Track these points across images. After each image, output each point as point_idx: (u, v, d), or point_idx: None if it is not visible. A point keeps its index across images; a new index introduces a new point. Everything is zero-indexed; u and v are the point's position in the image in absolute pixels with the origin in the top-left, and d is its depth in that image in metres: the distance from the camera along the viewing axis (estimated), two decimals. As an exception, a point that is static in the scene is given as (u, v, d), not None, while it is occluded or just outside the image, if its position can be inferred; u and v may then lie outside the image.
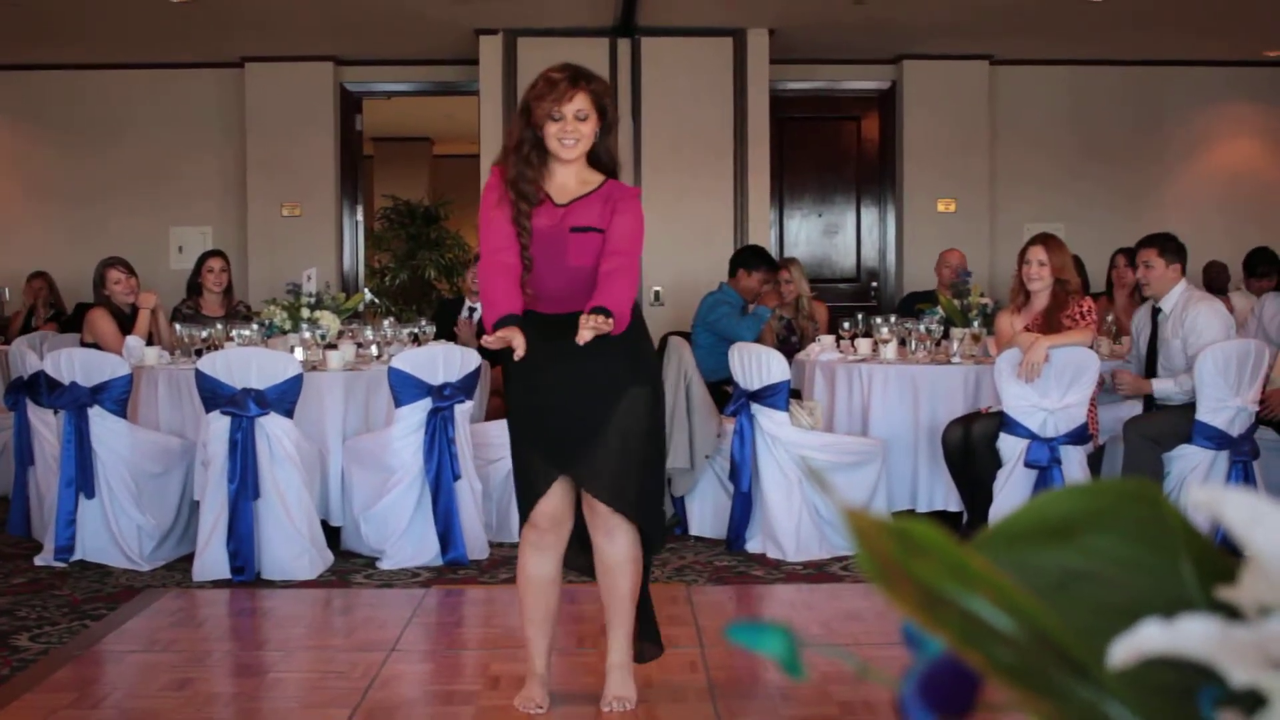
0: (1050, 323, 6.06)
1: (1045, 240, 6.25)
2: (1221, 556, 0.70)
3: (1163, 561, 0.72)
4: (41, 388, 6.05)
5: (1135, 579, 0.72)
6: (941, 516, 6.38)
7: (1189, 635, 0.59)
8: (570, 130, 3.74)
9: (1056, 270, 6.14)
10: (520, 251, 3.74)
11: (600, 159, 3.87)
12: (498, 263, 3.74)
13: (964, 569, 0.59)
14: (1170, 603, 0.68)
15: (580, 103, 3.75)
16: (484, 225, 3.81)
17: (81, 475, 5.88)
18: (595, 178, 3.85)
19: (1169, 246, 6.25)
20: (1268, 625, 0.59)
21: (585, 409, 3.79)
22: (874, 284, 10.74)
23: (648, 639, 4.08)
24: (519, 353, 3.54)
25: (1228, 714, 0.61)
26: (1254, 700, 0.60)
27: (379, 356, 6.73)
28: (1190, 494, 0.63)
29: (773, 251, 9.48)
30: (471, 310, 8.41)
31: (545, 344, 3.72)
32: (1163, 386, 6.14)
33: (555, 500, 3.85)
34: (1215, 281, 9.80)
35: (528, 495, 3.86)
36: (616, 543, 3.86)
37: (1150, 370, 6.35)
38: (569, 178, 3.83)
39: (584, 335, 3.49)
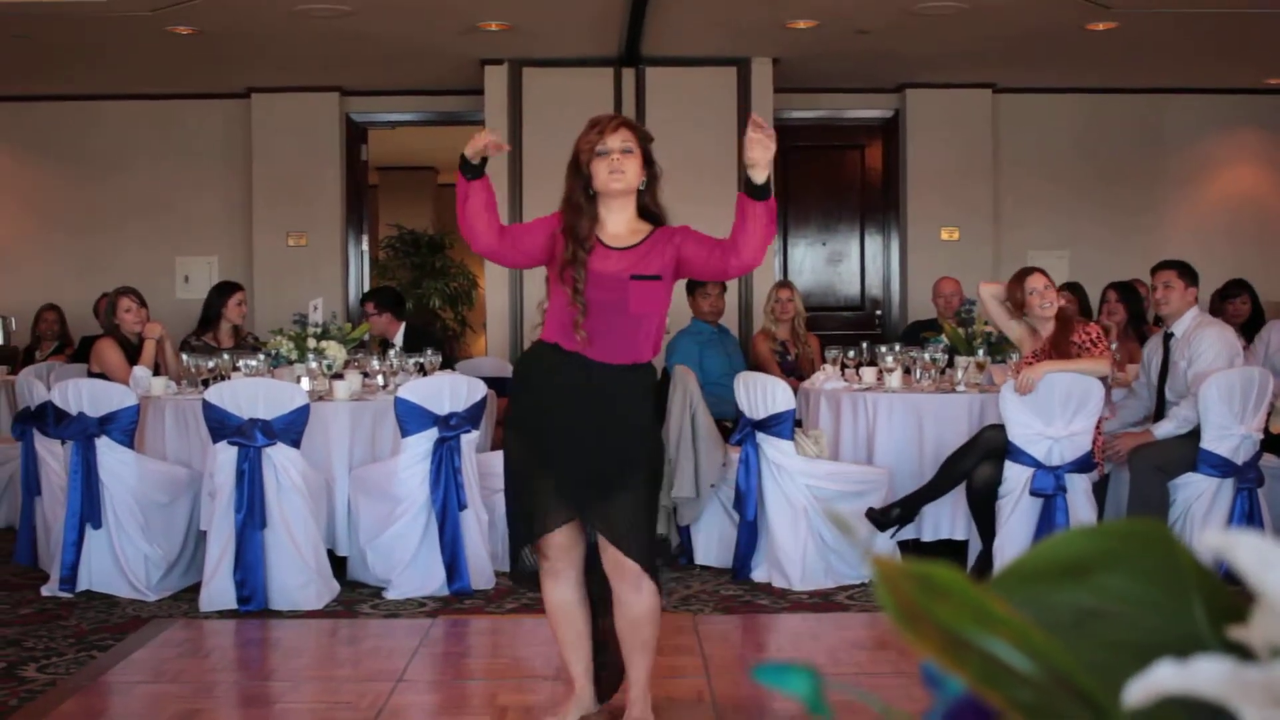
0: (1060, 347, 6.06)
1: (1038, 269, 6.32)
2: (1232, 596, 0.72)
3: (1175, 601, 0.73)
4: (49, 418, 6.07)
5: (1148, 618, 0.73)
6: (947, 545, 6.38)
7: (1203, 675, 0.60)
8: (617, 162, 3.80)
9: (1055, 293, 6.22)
10: (574, 295, 3.77)
11: (650, 211, 3.93)
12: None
13: (984, 611, 0.60)
14: (1182, 641, 0.70)
15: (624, 136, 3.83)
16: (522, 228, 3.97)
17: (88, 505, 5.89)
18: (646, 227, 3.91)
19: (1186, 270, 6.39)
20: (1278, 666, 0.60)
21: (611, 460, 3.78)
22: (878, 312, 10.77)
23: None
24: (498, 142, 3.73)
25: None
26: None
27: (385, 386, 6.74)
28: (1203, 537, 0.64)
29: (776, 279, 9.49)
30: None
31: (580, 388, 3.78)
32: (1163, 429, 6.14)
33: (565, 534, 3.86)
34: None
35: (530, 529, 3.84)
36: (644, 594, 3.84)
37: (1160, 398, 6.37)
38: (621, 225, 3.89)
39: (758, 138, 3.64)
